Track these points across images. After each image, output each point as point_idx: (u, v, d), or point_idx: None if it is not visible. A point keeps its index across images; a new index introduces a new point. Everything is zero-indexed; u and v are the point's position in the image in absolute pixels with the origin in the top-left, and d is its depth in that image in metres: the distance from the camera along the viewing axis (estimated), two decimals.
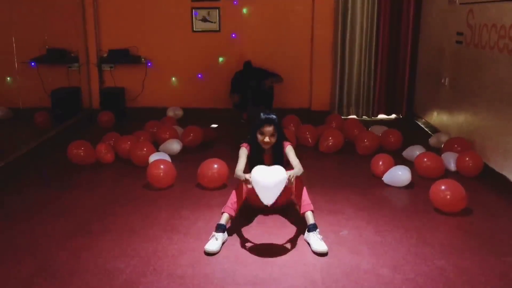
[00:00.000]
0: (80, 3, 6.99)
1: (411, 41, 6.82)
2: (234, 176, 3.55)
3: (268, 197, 3.19)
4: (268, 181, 3.17)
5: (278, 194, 3.21)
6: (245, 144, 3.71)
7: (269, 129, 3.53)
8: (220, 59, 7.18)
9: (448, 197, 3.71)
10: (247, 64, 6.70)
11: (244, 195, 3.44)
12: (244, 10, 7.02)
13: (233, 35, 7.06)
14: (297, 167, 3.46)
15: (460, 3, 5.32)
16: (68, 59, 7.17)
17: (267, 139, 3.54)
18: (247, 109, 6.64)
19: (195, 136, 5.56)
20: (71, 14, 6.98)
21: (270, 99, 6.67)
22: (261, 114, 3.58)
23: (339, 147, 5.40)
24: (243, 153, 3.66)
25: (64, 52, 7.15)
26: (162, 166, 4.29)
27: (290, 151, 3.61)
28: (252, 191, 3.52)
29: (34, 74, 7.08)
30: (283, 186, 3.22)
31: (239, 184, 3.46)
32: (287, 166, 3.54)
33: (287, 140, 3.70)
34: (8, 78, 7.01)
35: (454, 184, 3.78)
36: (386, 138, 5.44)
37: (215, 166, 4.26)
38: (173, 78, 7.29)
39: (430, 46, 6.42)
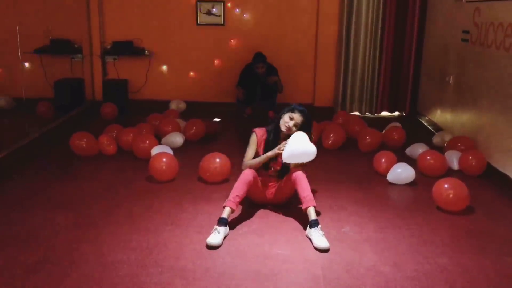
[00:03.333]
0: None
1: (416, 38, 6.79)
2: (243, 167, 3.61)
3: (290, 157, 3.45)
4: (301, 148, 3.44)
5: (296, 162, 3.50)
6: (257, 129, 3.75)
7: (298, 117, 3.58)
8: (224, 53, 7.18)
9: (451, 195, 3.70)
10: (258, 56, 6.53)
11: (246, 189, 3.44)
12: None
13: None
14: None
15: (467, 1, 5.29)
16: (72, 50, 7.17)
17: (291, 123, 3.57)
18: (254, 103, 6.62)
19: (198, 129, 5.55)
20: (75, 4, 6.96)
21: (274, 94, 6.65)
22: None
23: (340, 143, 5.38)
24: (253, 141, 3.72)
25: (68, 43, 7.15)
26: (164, 159, 4.29)
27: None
28: (254, 186, 3.53)
29: (37, 64, 7.08)
30: (304, 160, 3.51)
31: (241, 178, 3.44)
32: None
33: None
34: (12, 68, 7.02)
35: (457, 182, 3.77)
36: (389, 135, 5.42)
37: (217, 160, 4.25)
38: (176, 71, 7.28)
39: (435, 43, 6.40)
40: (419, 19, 6.74)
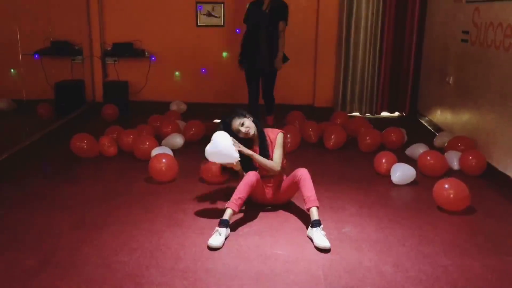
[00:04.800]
0: None
1: (416, 38, 6.80)
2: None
3: (210, 155, 3.50)
4: (217, 147, 3.46)
5: (219, 162, 3.57)
6: None
7: (247, 122, 3.64)
8: (224, 54, 7.19)
9: (451, 195, 3.70)
10: None
11: (249, 191, 3.43)
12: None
13: (238, 30, 7.05)
14: (275, 161, 3.63)
15: (466, 2, 5.30)
16: (72, 51, 7.18)
17: (246, 129, 3.61)
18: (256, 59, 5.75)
19: (198, 130, 5.56)
20: (75, 6, 6.98)
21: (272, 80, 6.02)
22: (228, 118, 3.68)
23: (341, 144, 5.39)
24: None
25: (68, 45, 7.16)
26: (164, 160, 4.29)
27: (278, 143, 3.70)
28: (257, 188, 3.53)
29: (37, 66, 7.09)
30: (225, 161, 3.54)
31: (245, 180, 3.43)
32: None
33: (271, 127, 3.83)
34: (12, 70, 7.03)
35: (457, 182, 3.77)
36: (389, 137, 5.41)
37: None
38: (177, 73, 7.29)
39: (435, 44, 6.40)
40: (419, 19, 6.75)
